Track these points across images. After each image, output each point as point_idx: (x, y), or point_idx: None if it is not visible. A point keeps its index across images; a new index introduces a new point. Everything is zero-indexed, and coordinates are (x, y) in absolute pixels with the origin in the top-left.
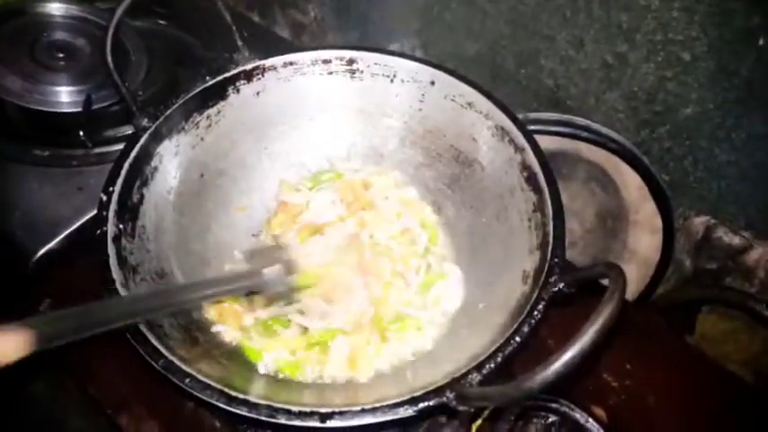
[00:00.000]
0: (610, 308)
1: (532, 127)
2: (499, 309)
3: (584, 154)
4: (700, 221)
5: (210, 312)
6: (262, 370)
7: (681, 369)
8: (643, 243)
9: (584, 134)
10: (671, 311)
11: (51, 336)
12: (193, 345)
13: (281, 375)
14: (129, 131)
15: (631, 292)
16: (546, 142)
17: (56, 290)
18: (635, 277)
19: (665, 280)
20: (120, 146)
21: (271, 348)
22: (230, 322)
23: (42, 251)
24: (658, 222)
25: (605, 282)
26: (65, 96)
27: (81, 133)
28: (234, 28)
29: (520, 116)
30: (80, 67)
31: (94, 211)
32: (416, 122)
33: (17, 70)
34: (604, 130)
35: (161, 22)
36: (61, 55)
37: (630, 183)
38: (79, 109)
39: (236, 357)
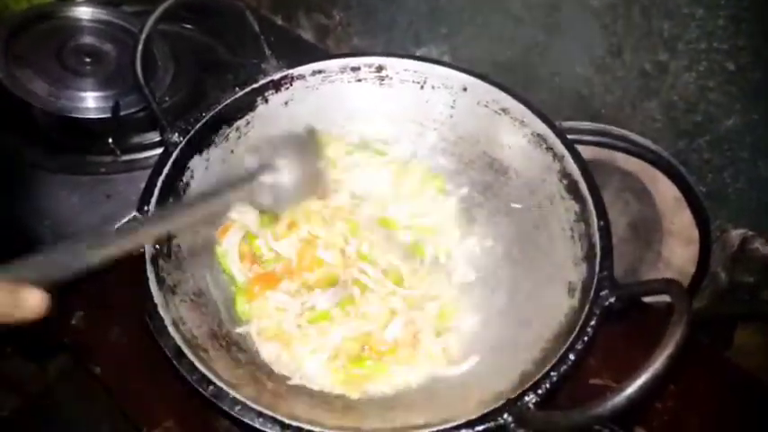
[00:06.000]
0: (680, 331)
1: (567, 136)
2: (545, 322)
3: (620, 163)
4: (736, 234)
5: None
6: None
7: (724, 389)
8: (677, 254)
9: (621, 144)
10: (708, 326)
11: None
12: (237, 367)
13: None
14: (157, 138)
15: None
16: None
17: (87, 300)
18: None
19: (699, 293)
20: (148, 153)
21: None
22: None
23: None
24: (694, 233)
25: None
26: (92, 102)
27: (110, 140)
28: (262, 37)
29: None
30: (107, 72)
31: (123, 220)
32: (447, 129)
33: (44, 75)
34: (641, 139)
35: (187, 26)
36: (88, 59)
37: (666, 193)
38: (107, 115)
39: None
